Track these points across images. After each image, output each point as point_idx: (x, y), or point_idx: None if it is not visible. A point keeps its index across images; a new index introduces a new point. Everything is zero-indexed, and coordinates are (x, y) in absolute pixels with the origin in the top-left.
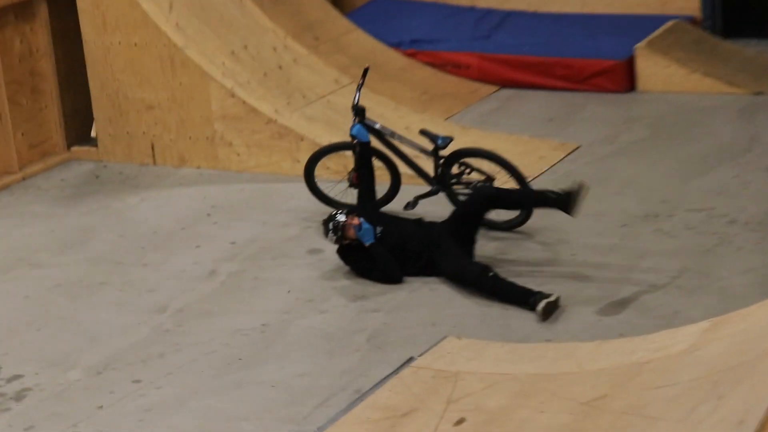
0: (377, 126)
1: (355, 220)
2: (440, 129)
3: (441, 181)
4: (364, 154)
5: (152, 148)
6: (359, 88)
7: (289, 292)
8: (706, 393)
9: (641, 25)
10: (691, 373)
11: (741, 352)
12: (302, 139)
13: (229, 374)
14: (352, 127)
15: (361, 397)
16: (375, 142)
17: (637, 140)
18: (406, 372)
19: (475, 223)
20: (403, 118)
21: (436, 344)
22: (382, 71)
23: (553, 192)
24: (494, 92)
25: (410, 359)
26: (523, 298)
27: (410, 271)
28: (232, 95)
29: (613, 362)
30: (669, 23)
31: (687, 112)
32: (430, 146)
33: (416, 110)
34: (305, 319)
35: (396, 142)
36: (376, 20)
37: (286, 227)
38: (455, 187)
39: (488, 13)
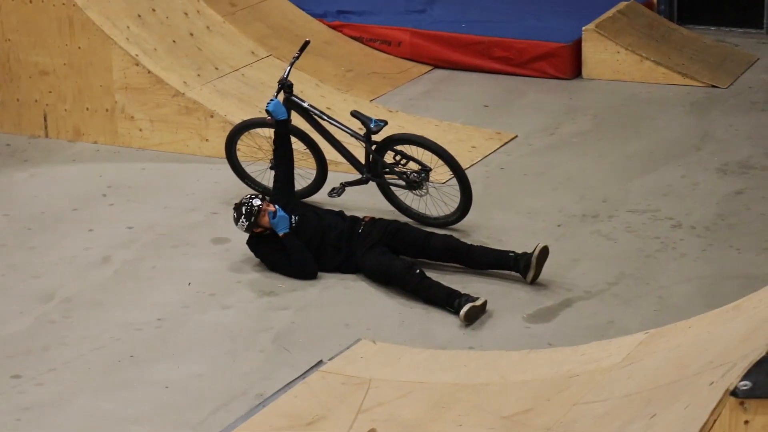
0: (306, 104)
1: (271, 207)
2: (365, 111)
3: (372, 170)
4: (280, 134)
5: (45, 118)
6: (293, 62)
7: (189, 284)
8: (638, 410)
9: (591, 4)
10: (622, 389)
11: (677, 367)
12: (212, 116)
13: (120, 372)
14: (269, 102)
15: (264, 402)
16: (302, 123)
17: (580, 132)
18: (313, 377)
19: (413, 255)
20: (324, 98)
21: (348, 347)
22: None
23: (513, 252)
24: (426, 73)
25: (319, 363)
26: (447, 300)
27: (326, 267)
28: (137, 63)
29: (539, 374)
30: (621, 4)
31: (635, 104)
32: (361, 130)
33: (339, 89)
34: (206, 315)
35: (326, 124)
36: None
37: (190, 212)
38: (387, 176)
39: None
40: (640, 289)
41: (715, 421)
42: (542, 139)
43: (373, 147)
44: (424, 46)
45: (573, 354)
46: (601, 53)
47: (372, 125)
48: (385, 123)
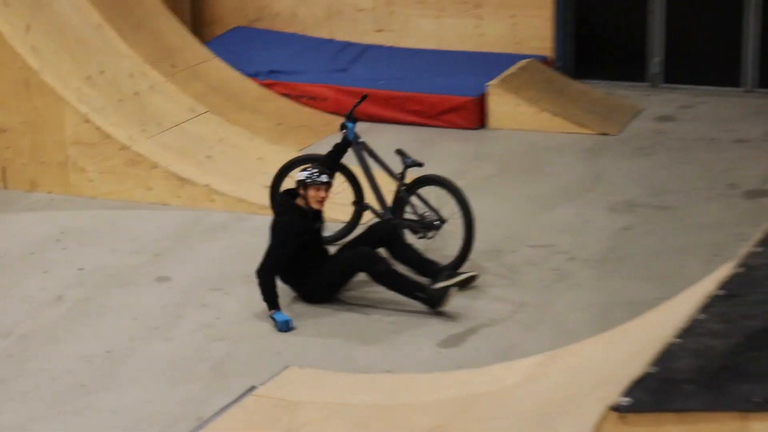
0: (361, 139)
1: (324, 194)
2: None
3: (395, 209)
4: (340, 147)
5: (4, 171)
6: (356, 104)
7: (135, 319)
8: (535, 425)
9: (495, 63)
10: (521, 406)
11: (570, 386)
12: (155, 167)
13: (72, 400)
14: (347, 120)
15: (202, 424)
16: (350, 160)
17: (486, 177)
18: (247, 400)
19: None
20: (258, 149)
21: (278, 373)
22: (238, 101)
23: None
24: None
25: (252, 388)
26: (415, 287)
27: (290, 281)
28: (87, 120)
29: (449, 394)
30: (522, 62)
31: (535, 151)
32: (398, 168)
33: (271, 141)
34: (150, 347)
35: (370, 162)
36: (235, 50)
37: (135, 255)
38: (405, 219)
39: (347, 46)
40: (540, 316)
41: None
42: None
43: (403, 188)
44: (347, 101)
45: (479, 375)
46: (504, 106)
47: (408, 161)
48: (422, 164)
